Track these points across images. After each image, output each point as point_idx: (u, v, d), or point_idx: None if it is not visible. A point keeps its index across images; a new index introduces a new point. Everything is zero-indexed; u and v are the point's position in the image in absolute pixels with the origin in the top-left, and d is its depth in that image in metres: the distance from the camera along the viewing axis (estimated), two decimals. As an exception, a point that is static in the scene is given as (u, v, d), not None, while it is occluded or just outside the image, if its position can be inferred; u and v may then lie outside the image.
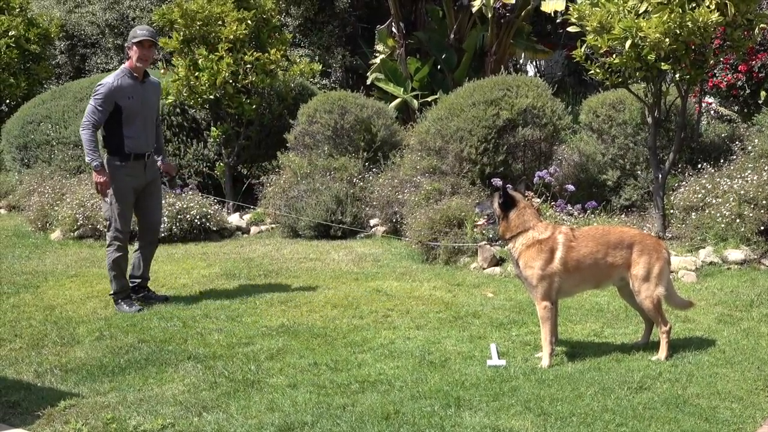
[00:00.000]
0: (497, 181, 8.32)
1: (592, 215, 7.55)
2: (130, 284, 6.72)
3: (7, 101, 16.12)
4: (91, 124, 6.37)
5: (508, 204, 5.10)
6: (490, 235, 7.50)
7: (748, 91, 10.20)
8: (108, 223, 6.56)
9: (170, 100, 10.82)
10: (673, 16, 7.03)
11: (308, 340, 5.55)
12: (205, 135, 11.26)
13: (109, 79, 6.44)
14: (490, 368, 4.89)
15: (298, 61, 12.02)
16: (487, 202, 5.37)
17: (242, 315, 6.24)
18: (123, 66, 6.59)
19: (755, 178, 7.77)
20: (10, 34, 15.72)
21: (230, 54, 10.36)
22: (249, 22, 10.46)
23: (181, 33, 10.39)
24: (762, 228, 7.47)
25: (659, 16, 7.05)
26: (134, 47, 6.46)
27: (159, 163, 6.86)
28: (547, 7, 13.00)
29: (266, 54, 10.57)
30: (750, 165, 8.12)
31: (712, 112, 10.75)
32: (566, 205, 7.94)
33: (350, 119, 10.43)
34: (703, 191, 8.00)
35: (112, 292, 6.59)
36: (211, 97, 10.47)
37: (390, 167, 10.06)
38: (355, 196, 9.72)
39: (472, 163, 9.05)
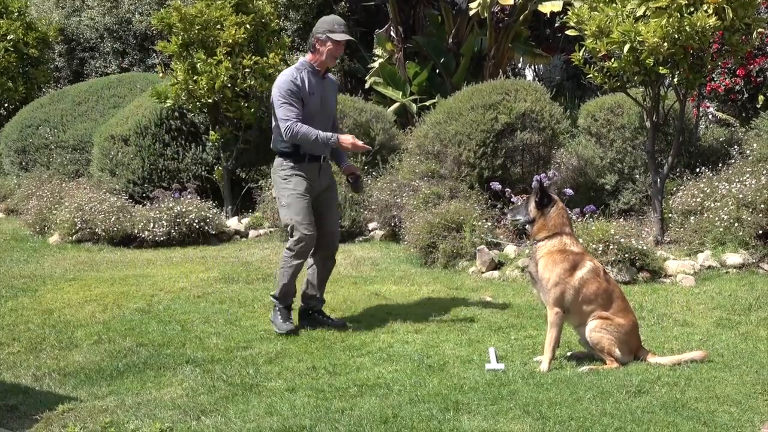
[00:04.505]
0: (496, 185, 8.33)
1: (591, 219, 7.55)
2: (307, 310, 6.11)
3: (6, 105, 16.12)
4: (296, 120, 5.63)
5: (544, 202, 5.03)
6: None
7: (746, 95, 10.20)
8: (287, 227, 5.84)
9: (169, 104, 10.83)
10: (671, 20, 7.04)
11: (306, 344, 5.55)
12: (204, 139, 11.25)
13: (288, 73, 5.76)
14: (488, 372, 4.88)
15: (296, 65, 12.01)
16: (520, 207, 5.26)
17: (241, 319, 6.24)
18: (303, 59, 5.86)
19: (753, 182, 7.78)
20: (8, 38, 15.72)
21: (229, 58, 10.36)
22: (248, 26, 10.46)
23: (180, 37, 10.38)
24: (760, 232, 7.47)
25: (657, 21, 7.07)
26: (329, 42, 5.73)
27: (342, 166, 6.18)
28: (544, 8, 13.03)
29: (265, 58, 10.57)
30: (748, 169, 8.13)
31: (710, 116, 10.77)
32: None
33: (349, 123, 10.43)
34: (701, 195, 8.01)
35: (274, 294, 5.91)
36: (210, 101, 10.46)
37: (388, 171, 10.06)
38: (353, 200, 9.72)
39: (471, 167, 9.06)
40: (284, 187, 5.82)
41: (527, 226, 5.18)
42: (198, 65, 10.31)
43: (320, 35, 5.74)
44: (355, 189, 6.25)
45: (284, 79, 5.71)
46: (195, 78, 10.33)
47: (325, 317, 6.08)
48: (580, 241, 6.98)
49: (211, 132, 10.86)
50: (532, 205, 5.09)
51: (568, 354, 5.20)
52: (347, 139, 5.76)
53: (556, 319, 4.94)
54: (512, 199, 7.90)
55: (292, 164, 5.81)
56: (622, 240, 7.12)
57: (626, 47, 7.26)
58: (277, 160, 5.90)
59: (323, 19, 5.86)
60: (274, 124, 5.88)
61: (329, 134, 5.70)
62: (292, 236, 5.78)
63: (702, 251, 7.57)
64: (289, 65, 11.78)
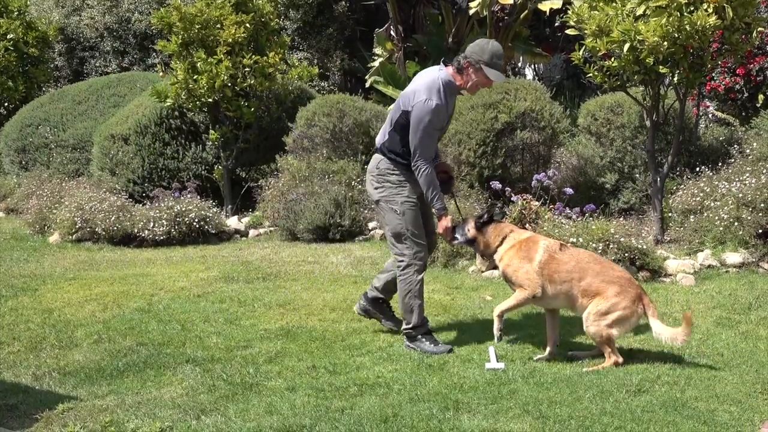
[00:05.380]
0: (496, 185, 8.33)
1: (591, 218, 7.54)
2: (379, 298, 5.80)
3: (6, 104, 16.12)
4: (430, 161, 5.29)
5: (483, 224, 5.32)
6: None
7: (746, 94, 10.20)
8: (399, 237, 5.40)
9: (169, 103, 10.83)
10: (671, 19, 7.04)
11: (307, 343, 5.55)
12: (204, 138, 11.25)
13: (436, 99, 5.21)
14: (488, 371, 4.89)
15: (296, 64, 12.02)
16: (458, 227, 5.42)
17: (240, 318, 6.24)
18: (448, 77, 5.32)
19: (753, 181, 7.78)
20: (8, 37, 15.72)
21: (229, 57, 10.37)
22: (248, 25, 10.46)
23: (180, 36, 10.38)
24: (760, 231, 7.47)
25: (657, 20, 7.07)
26: (480, 74, 5.26)
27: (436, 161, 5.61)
28: (543, 6, 13.03)
29: (265, 57, 10.57)
30: (748, 168, 8.13)
31: (710, 115, 10.76)
32: (564, 209, 7.95)
33: (349, 122, 10.43)
34: (701, 194, 8.01)
35: (410, 326, 5.42)
36: (210, 100, 10.46)
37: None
38: (353, 199, 9.71)
39: (471, 167, 9.06)
40: (398, 193, 5.41)
41: (471, 246, 5.48)
42: (198, 64, 10.32)
43: (474, 63, 5.26)
44: (445, 191, 5.63)
45: (436, 108, 5.20)
46: (195, 77, 10.33)
47: (391, 312, 5.86)
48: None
49: (211, 131, 10.86)
50: (470, 225, 5.36)
51: (568, 353, 5.21)
52: (445, 223, 5.40)
53: (519, 294, 5.08)
54: (512, 199, 7.91)
55: (403, 170, 5.42)
56: (622, 239, 7.12)
57: (626, 46, 7.25)
58: (387, 163, 5.44)
59: (483, 45, 5.29)
60: (390, 128, 5.44)
61: (441, 204, 5.34)
62: (403, 244, 5.39)
63: (702, 250, 7.57)
64: (289, 64, 11.82)
